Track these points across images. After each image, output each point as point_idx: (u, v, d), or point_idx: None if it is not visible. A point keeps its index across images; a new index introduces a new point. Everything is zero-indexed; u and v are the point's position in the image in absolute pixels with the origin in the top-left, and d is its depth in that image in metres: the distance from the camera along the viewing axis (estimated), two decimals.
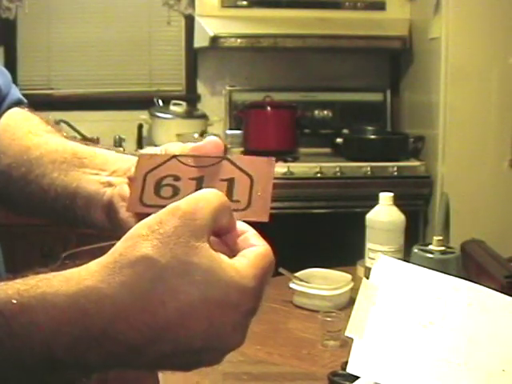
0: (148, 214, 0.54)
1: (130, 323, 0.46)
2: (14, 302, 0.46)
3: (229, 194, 0.55)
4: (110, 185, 0.65)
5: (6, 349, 0.46)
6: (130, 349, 0.47)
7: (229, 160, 0.57)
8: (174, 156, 0.59)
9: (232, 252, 0.51)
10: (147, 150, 0.65)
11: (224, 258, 0.48)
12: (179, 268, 0.46)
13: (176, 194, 0.57)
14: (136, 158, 0.65)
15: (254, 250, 0.50)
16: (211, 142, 0.59)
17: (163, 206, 0.53)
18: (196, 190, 0.56)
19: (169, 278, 0.46)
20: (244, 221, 0.53)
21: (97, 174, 0.67)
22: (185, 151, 0.60)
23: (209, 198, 0.49)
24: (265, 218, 0.54)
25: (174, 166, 0.58)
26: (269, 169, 0.57)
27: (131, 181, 0.62)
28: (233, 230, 0.52)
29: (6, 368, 0.46)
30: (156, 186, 0.58)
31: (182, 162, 0.58)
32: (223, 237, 0.52)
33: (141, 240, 0.47)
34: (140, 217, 0.56)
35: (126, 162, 0.67)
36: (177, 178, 0.57)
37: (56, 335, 0.46)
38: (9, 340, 0.45)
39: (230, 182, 0.56)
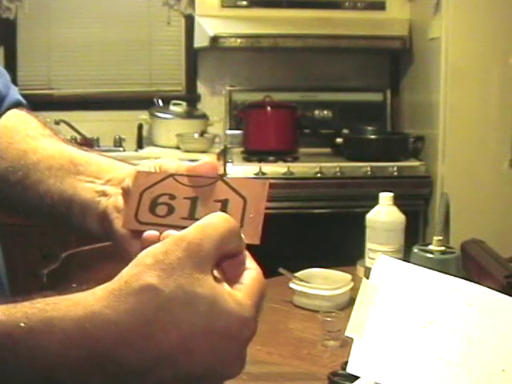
0: (143, 232, 0.56)
1: (132, 348, 0.47)
2: (22, 325, 0.47)
3: None
4: (104, 194, 0.66)
5: (11, 369, 0.46)
6: (131, 373, 0.47)
7: (223, 181, 0.58)
8: (171, 175, 0.60)
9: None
10: (142, 163, 0.66)
11: (226, 288, 0.49)
12: (183, 298, 0.47)
13: (171, 212, 0.58)
14: (130, 166, 0.66)
15: (249, 275, 0.51)
16: (207, 163, 0.59)
17: (158, 225, 0.56)
18: (190, 209, 0.57)
19: (172, 307, 0.47)
20: None
21: (92, 182, 0.67)
22: (180, 169, 0.60)
23: (216, 224, 0.50)
24: (256, 241, 0.55)
25: (170, 184, 0.59)
26: (262, 191, 0.57)
27: (126, 192, 0.63)
28: (240, 253, 0.52)
29: None
30: (151, 204, 0.58)
31: (178, 181, 0.59)
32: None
33: (146, 269, 0.48)
34: (134, 231, 0.58)
35: (121, 170, 0.67)
36: (172, 197, 0.58)
37: (61, 358, 0.47)
38: (14, 361, 0.46)
39: (224, 202, 0.57)
